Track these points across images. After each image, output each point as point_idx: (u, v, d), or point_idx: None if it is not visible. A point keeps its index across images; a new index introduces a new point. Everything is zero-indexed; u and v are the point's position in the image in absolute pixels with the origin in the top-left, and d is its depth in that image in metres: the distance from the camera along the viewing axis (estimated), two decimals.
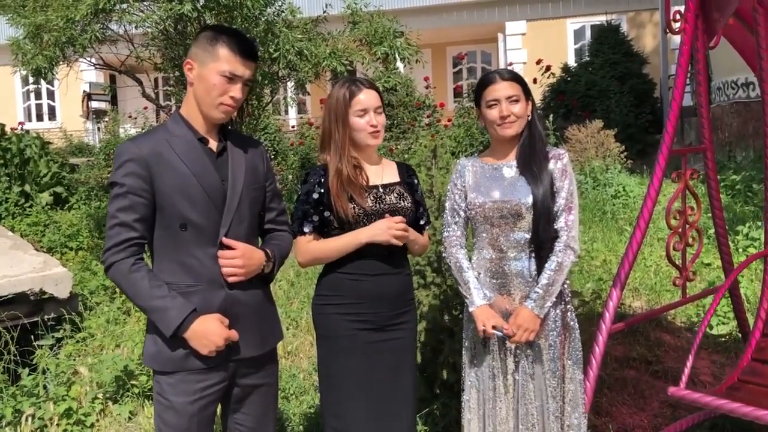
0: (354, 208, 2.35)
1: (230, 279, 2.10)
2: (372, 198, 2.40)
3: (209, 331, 2.02)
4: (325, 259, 2.41)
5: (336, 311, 2.40)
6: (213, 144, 2.16)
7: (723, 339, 4.55)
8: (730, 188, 8.31)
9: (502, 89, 2.46)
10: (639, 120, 12.34)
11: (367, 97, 2.39)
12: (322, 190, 2.38)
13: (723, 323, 4.68)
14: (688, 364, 2.76)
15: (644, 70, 13.53)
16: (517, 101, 2.46)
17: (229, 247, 2.10)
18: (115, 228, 2.03)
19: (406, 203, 2.45)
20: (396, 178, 2.50)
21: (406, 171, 2.56)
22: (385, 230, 2.33)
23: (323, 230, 2.41)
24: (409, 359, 2.50)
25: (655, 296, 5.44)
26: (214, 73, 2.07)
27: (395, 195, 2.45)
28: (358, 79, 2.46)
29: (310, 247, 2.40)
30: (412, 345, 2.53)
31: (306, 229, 2.39)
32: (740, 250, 6.17)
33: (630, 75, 13.05)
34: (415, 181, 2.57)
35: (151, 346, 2.11)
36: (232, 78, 2.08)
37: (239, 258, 2.10)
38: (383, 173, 2.49)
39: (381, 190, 2.43)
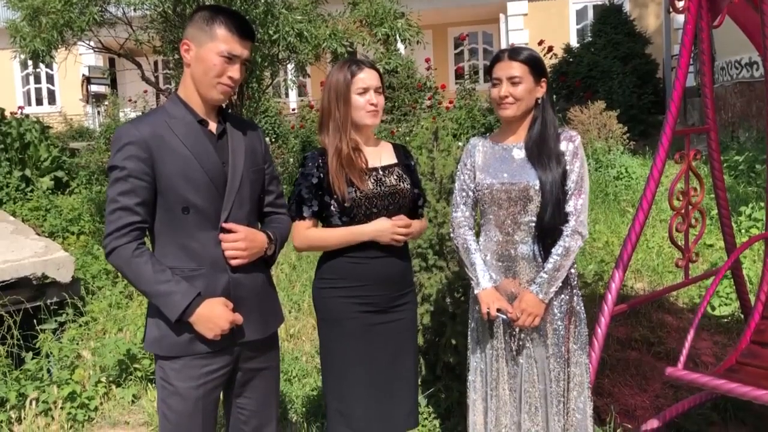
0: (354, 191, 2.33)
1: (233, 262, 2.09)
2: (372, 181, 2.38)
3: (214, 315, 2.01)
4: (323, 248, 2.41)
5: (339, 294, 2.39)
6: (212, 126, 2.14)
7: (725, 320, 4.55)
8: (732, 169, 8.28)
9: (505, 69, 2.41)
10: (642, 101, 12.27)
11: (368, 76, 2.38)
12: (321, 175, 2.37)
13: (725, 304, 4.68)
14: (686, 344, 2.75)
15: (647, 51, 13.43)
16: (519, 83, 2.39)
17: (230, 231, 2.09)
18: (117, 212, 2.00)
19: (405, 185, 2.44)
20: (394, 160, 2.49)
21: (403, 153, 2.55)
22: (389, 232, 2.34)
23: (321, 215, 2.40)
24: (410, 340, 2.51)
25: (657, 278, 5.44)
26: (212, 53, 2.04)
27: (395, 177, 2.44)
28: (359, 59, 2.45)
29: (309, 234, 2.39)
30: (413, 326, 2.54)
31: (305, 214, 2.37)
32: (743, 230, 6.15)
33: (633, 55, 12.95)
34: (413, 163, 2.56)
35: (154, 331, 2.09)
36: (230, 58, 2.06)
37: (242, 241, 2.08)
38: (381, 155, 2.47)
39: (381, 172, 2.42)
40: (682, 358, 2.75)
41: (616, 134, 9.86)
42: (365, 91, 2.37)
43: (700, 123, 11.05)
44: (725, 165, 8.40)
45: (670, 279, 5.31)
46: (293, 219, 2.39)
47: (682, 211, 3.23)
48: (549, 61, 12.99)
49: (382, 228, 2.35)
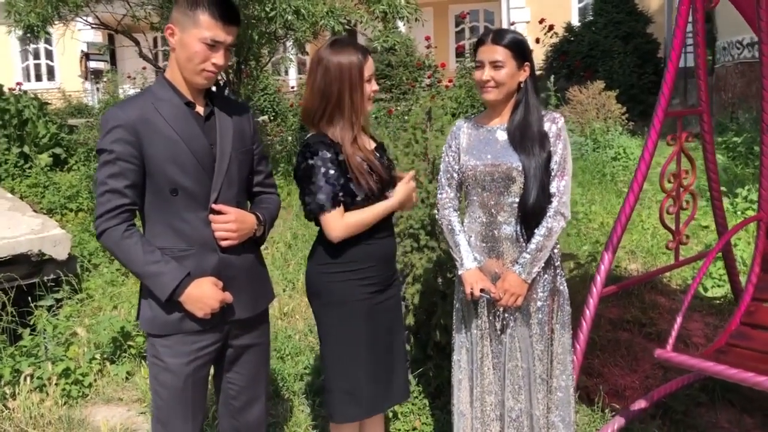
0: (373, 175, 2.33)
1: (223, 243, 2.11)
2: (378, 162, 2.39)
3: (204, 294, 2.04)
4: (363, 229, 2.32)
5: (351, 277, 2.35)
6: (200, 108, 2.14)
7: (717, 301, 4.57)
8: (731, 150, 8.26)
9: (488, 52, 2.39)
10: (642, 81, 12.20)
11: (371, 63, 2.34)
12: (340, 160, 2.26)
13: (718, 286, 4.70)
14: (676, 326, 2.77)
15: (648, 30, 13.33)
16: (501, 67, 2.37)
17: (220, 212, 2.10)
18: (106, 195, 2.04)
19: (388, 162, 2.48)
20: (373, 142, 2.48)
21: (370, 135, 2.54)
22: (408, 194, 2.41)
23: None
24: (400, 316, 2.57)
25: (651, 259, 5.46)
26: (195, 39, 2.02)
27: (385, 158, 2.47)
28: (356, 44, 2.35)
29: (348, 220, 2.27)
30: (400, 302, 2.60)
31: (334, 206, 2.26)
32: (739, 212, 6.16)
33: (634, 35, 12.85)
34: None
35: (147, 311, 2.13)
36: (213, 45, 2.04)
37: (232, 222, 2.10)
38: (367, 138, 2.47)
39: (377, 153, 2.43)
40: (671, 340, 2.77)
41: (615, 114, 9.82)
42: (371, 78, 2.33)
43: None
44: (723, 146, 8.39)
45: (664, 260, 5.32)
46: (317, 213, 2.27)
47: (674, 193, 3.23)
48: (549, 40, 12.89)
49: (404, 195, 2.39)
